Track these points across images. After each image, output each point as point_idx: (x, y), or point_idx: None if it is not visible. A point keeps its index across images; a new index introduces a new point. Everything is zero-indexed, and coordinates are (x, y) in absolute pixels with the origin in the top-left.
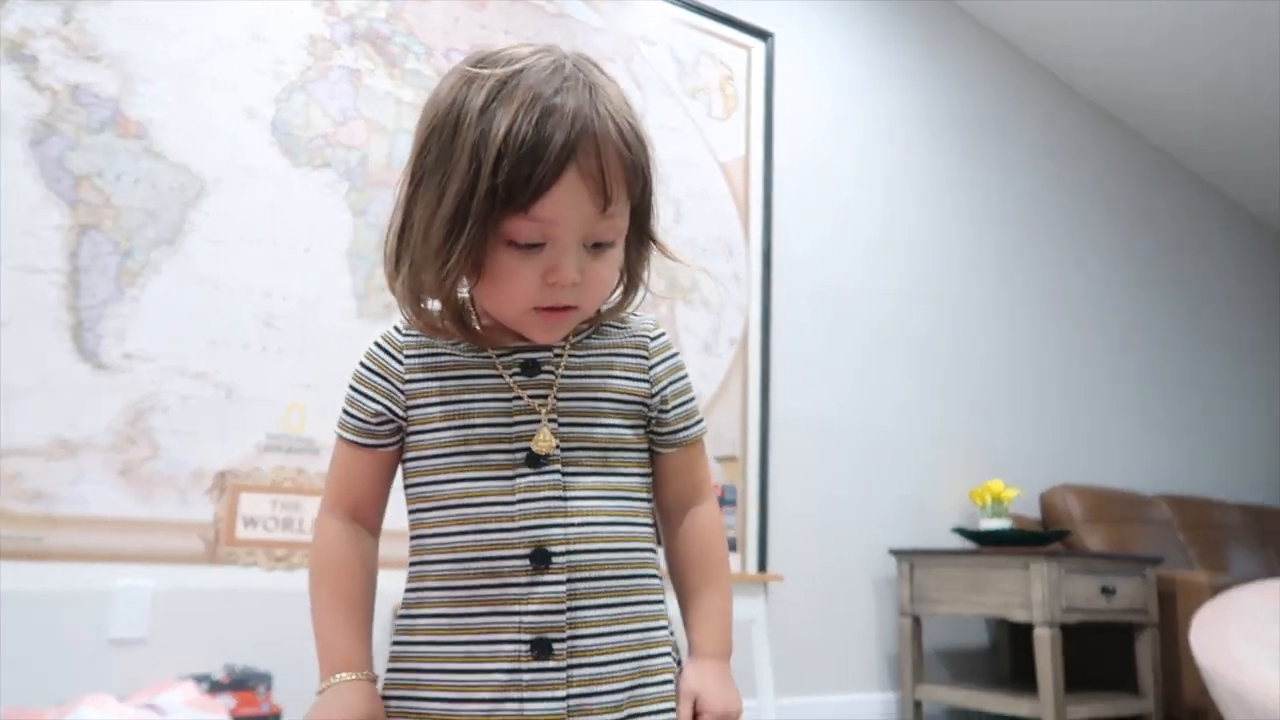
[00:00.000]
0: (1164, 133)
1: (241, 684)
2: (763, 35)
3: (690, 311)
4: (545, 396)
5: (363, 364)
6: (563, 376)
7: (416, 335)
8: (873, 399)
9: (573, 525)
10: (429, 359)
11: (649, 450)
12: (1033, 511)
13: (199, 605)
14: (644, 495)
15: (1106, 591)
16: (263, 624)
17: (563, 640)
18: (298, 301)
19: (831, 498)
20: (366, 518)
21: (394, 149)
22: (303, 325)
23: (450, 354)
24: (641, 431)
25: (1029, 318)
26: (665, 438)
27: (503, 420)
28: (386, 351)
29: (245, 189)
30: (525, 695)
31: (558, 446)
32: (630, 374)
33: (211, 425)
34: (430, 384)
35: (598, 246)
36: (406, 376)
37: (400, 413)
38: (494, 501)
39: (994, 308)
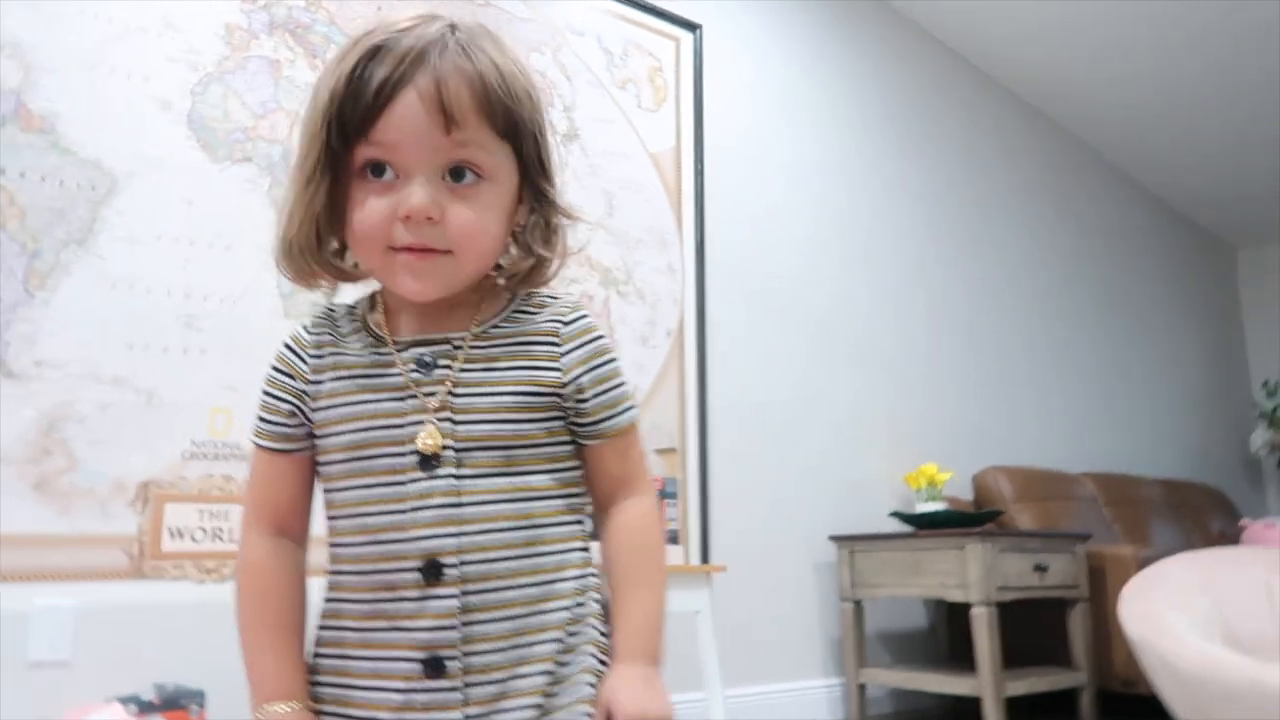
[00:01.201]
0: (1086, 126)
1: (173, 703)
2: (691, 27)
3: (625, 304)
4: (436, 393)
5: (273, 365)
6: (462, 370)
7: (322, 332)
8: (809, 388)
9: (467, 534)
10: (333, 357)
11: (573, 443)
12: (966, 493)
13: (125, 623)
14: (558, 493)
15: (1039, 569)
16: (194, 640)
17: (455, 657)
18: (220, 301)
19: (771, 486)
20: (291, 528)
21: None
22: (226, 325)
23: (354, 352)
24: (557, 425)
25: (957, 305)
26: (588, 429)
27: (394, 421)
28: (293, 350)
29: (160, 185)
30: (420, 715)
31: (449, 447)
32: (539, 363)
33: (132, 433)
34: (332, 383)
35: (457, 178)
36: (311, 376)
37: (309, 414)
38: (387, 510)
39: (923, 296)
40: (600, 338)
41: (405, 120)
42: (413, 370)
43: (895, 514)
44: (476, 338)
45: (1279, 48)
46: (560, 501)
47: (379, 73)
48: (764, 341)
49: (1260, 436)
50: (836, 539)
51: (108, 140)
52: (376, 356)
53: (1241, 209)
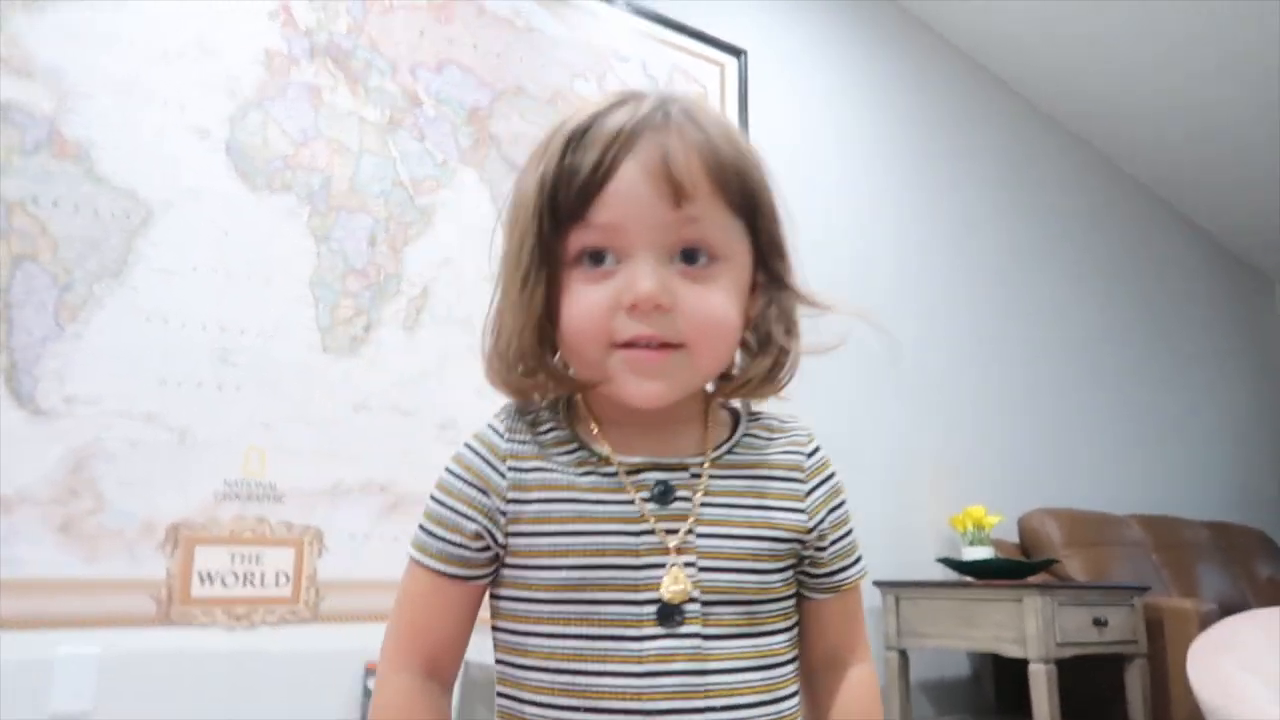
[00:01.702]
0: (1129, 156)
1: None
2: (736, 52)
3: None
4: (677, 530)
5: (453, 472)
6: (704, 504)
7: (522, 441)
8: (856, 424)
9: (714, 709)
10: (540, 473)
11: (795, 596)
12: (1010, 535)
13: (151, 672)
14: (791, 658)
15: (1098, 623)
16: (223, 689)
17: None
18: (256, 335)
19: None
20: (445, 669)
21: (358, 170)
22: (262, 361)
23: (566, 469)
24: (790, 576)
25: (999, 342)
26: (820, 581)
27: (629, 561)
28: (485, 459)
29: (197, 215)
30: None
31: (695, 599)
32: (785, 503)
33: (162, 473)
34: (539, 505)
35: (689, 260)
36: (510, 494)
37: (500, 539)
38: (612, 671)
39: (967, 332)
40: (835, 472)
41: (627, 196)
42: (647, 500)
43: (944, 560)
44: (714, 465)
45: None
46: (791, 668)
47: (594, 148)
48: (810, 376)
49: None
50: (882, 585)
51: (143, 169)
52: (598, 478)
53: None
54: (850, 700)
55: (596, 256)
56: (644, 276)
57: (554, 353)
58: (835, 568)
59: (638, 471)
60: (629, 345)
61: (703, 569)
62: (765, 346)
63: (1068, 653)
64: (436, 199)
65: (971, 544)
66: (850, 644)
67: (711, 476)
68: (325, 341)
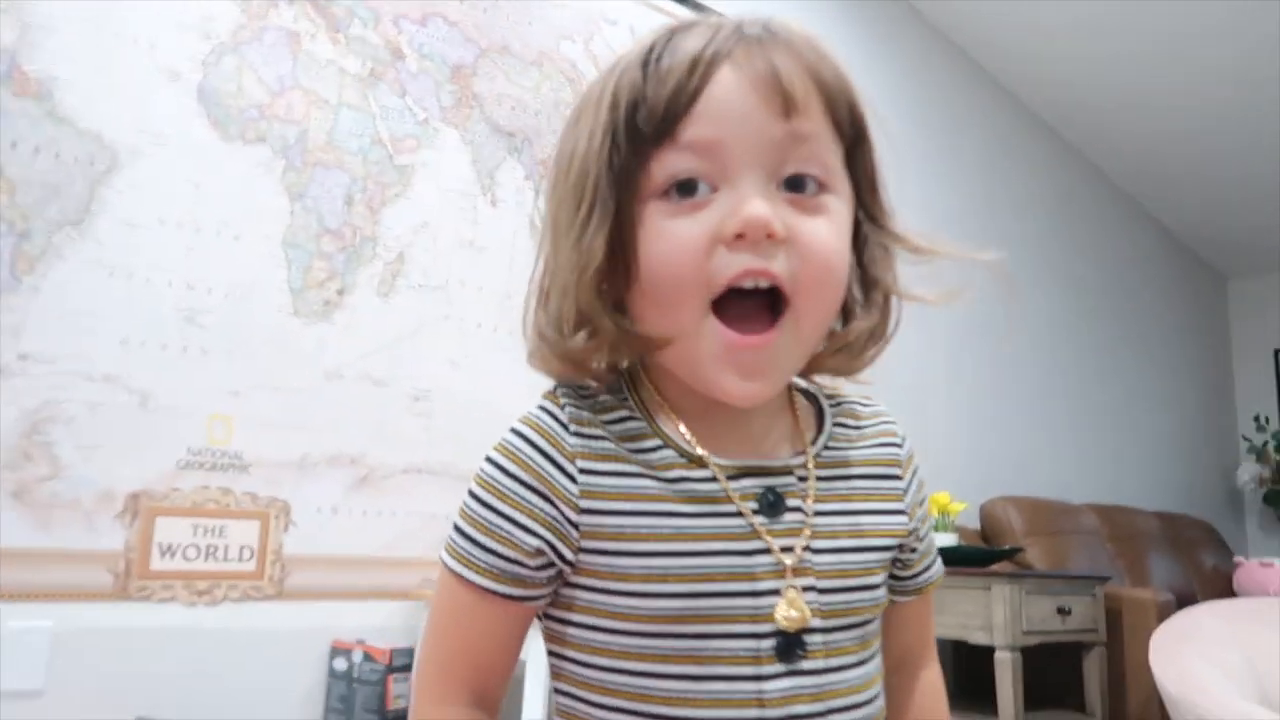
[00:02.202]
0: (1097, 148)
1: None
2: None
3: None
4: (793, 547)
5: (505, 470)
6: (817, 515)
7: (593, 434)
8: None
9: None
10: (620, 478)
11: None
12: (972, 523)
13: (107, 648)
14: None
15: (1062, 612)
16: (182, 669)
17: None
18: (224, 295)
19: None
20: (492, 697)
21: (337, 125)
22: (230, 323)
23: (653, 474)
24: (888, 584)
25: (965, 329)
26: (906, 582)
27: (744, 587)
28: (548, 455)
29: (166, 164)
30: None
31: (817, 629)
32: (890, 504)
33: (122, 438)
34: (623, 518)
35: (796, 188)
36: (584, 503)
37: (569, 556)
38: (728, 718)
39: (934, 319)
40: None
41: (728, 106)
42: (756, 512)
43: None
44: (818, 465)
45: None
46: (882, 683)
47: (684, 55)
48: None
49: (1248, 470)
50: None
51: (110, 111)
52: (693, 485)
53: (1237, 239)
54: (922, 701)
55: (686, 186)
56: (753, 198)
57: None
58: (922, 567)
59: (739, 476)
60: (726, 307)
61: (823, 591)
62: (869, 297)
63: (1033, 640)
64: (416, 159)
65: (936, 529)
66: (922, 645)
67: (819, 479)
68: (297, 305)
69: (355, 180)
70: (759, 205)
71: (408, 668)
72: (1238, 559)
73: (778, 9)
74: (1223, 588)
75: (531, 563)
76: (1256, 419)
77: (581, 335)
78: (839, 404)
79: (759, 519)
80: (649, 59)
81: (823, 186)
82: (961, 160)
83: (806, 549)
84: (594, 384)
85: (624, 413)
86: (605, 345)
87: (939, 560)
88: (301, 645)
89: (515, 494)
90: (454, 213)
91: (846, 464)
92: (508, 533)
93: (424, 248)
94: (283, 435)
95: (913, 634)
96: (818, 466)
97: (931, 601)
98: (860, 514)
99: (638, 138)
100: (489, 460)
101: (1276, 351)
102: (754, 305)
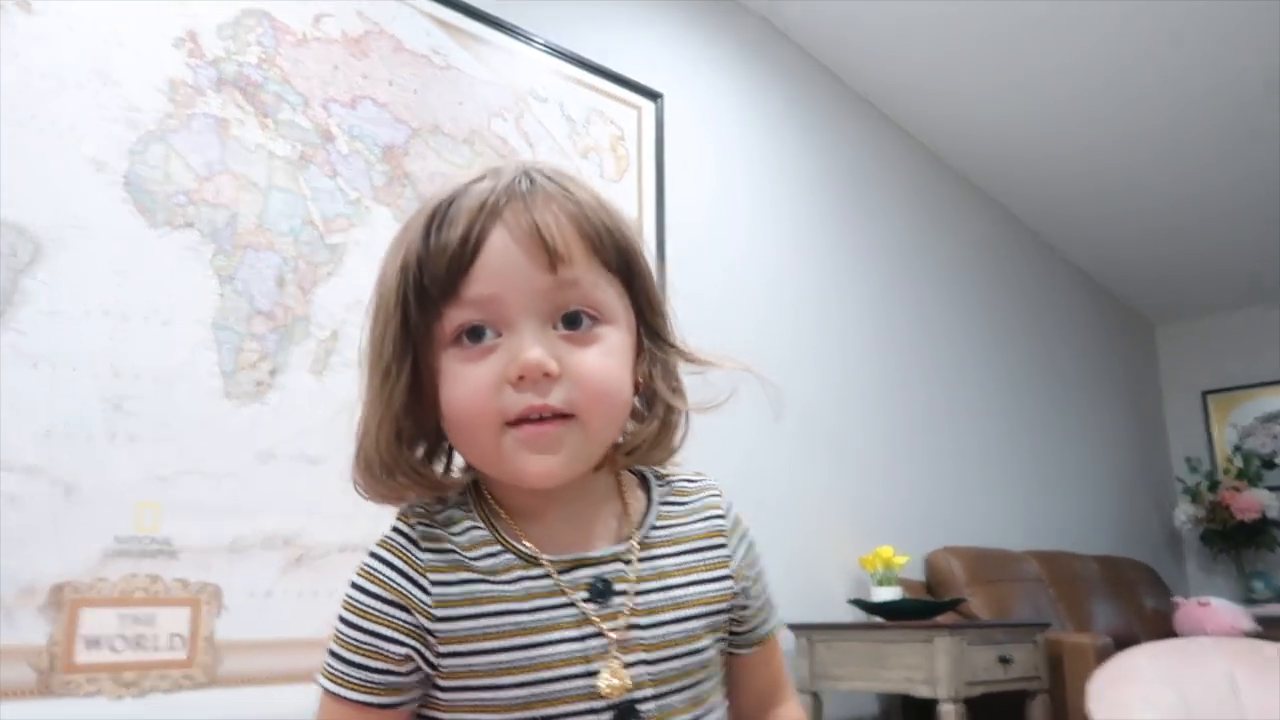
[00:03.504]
0: (1022, 203)
1: None
2: (653, 95)
3: None
4: (617, 624)
5: (367, 590)
6: (639, 594)
7: (441, 548)
8: (762, 468)
9: None
10: (465, 585)
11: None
12: (917, 574)
13: None
14: None
15: (1004, 661)
16: None
17: None
18: (153, 381)
19: None
20: None
21: (267, 208)
22: (159, 409)
23: (494, 578)
24: (723, 643)
25: (903, 380)
26: (744, 637)
27: (581, 670)
28: (402, 572)
29: (91, 252)
30: None
31: (648, 698)
32: (713, 573)
33: (46, 530)
34: (471, 622)
35: (572, 325)
36: (437, 611)
37: (430, 660)
38: None
39: (872, 374)
40: (749, 527)
41: (500, 265)
42: (585, 599)
43: (855, 601)
44: (642, 546)
45: (1202, 137)
46: None
47: (460, 221)
48: (718, 418)
49: (1184, 511)
50: (795, 628)
51: (33, 202)
52: (530, 584)
53: (1162, 286)
54: None
55: (475, 333)
56: (529, 344)
57: (431, 453)
58: (757, 623)
59: (570, 569)
60: (520, 422)
61: (652, 662)
62: (652, 408)
63: (976, 691)
64: (349, 238)
65: (880, 584)
66: (775, 688)
67: (641, 560)
68: (228, 387)
69: (287, 261)
70: (533, 352)
71: None
72: (1176, 599)
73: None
74: (1163, 628)
75: (402, 669)
76: (1189, 460)
77: (383, 475)
78: (667, 483)
79: (590, 606)
80: (430, 228)
81: (596, 320)
82: (891, 219)
83: (633, 626)
84: (439, 502)
85: (469, 523)
86: (406, 488)
87: (777, 614)
88: None
89: (378, 611)
90: None
91: (674, 541)
92: (376, 647)
93: (358, 324)
94: (214, 519)
95: (764, 680)
96: (642, 548)
97: (777, 647)
98: (681, 587)
99: (426, 299)
100: (353, 585)
101: (1204, 394)
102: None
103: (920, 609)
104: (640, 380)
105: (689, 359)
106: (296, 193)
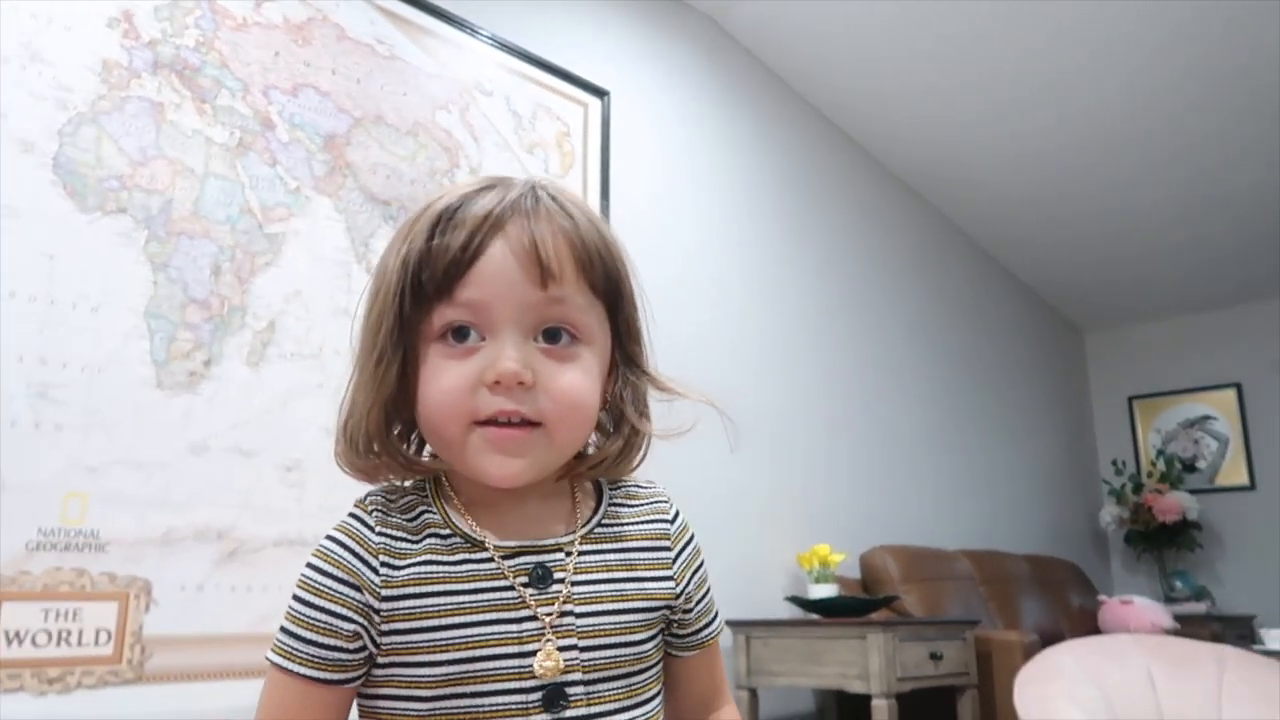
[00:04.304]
0: (956, 207)
1: None
2: (599, 93)
3: None
4: (553, 610)
5: (320, 569)
6: (574, 584)
7: (394, 533)
8: (703, 466)
9: None
10: (413, 566)
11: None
12: (853, 572)
13: None
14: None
15: (934, 657)
16: None
17: None
18: (81, 369)
19: None
20: None
21: (203, 194)
22: (87, 398)
23: (438, 557)
24: (660, 642)
25: (843, 385)
26: (685, 640)
27: (513, 650)
28: (354, 552)
29: (18, 235)
30: None
31: (577, 681)
32: (654, 572)
33: None
34: (414, 601)
35: (552, 339)
36: (384, 591)
37: (375, 637)
38: None
39: (813, 376)
40: (695, 535)
41: (495, 275)
42: (525, 585)
43: (792, 598)
44: (585, 540)
45: (1133, 147)
46: None
47: (464, 227)
48: (658, 416)
49: (1110, 512)
50: (734, 624)
51: None
52: (473, 566)
53: (1092, 294)
54: None
55: (460, 333)
56: (508, 353)
57: (405, 436)
58: (699, 626)
59: (513, 555)
60: (489, 423)
61: (584, 649)
62: (618, 428)
63: (907, 686)
64: (288, 227)
65: (817, 581)
66: (714, 692)
67: (582, 553)
68: (160, 377)
69: (223, 249)
70: (511, 361)
71: None
72: (1101, 597)
73: (633, 74)
74: (1089, 625)
75: (350, 646)
76: (1114, 463)
77: (369, 454)
78: (619, 487)
79: (529, 591)
80: (435, 229)
81: (575, 338)
82: (832, 221)
83: (568, 614)
84: (401, 485)
85: (423, 508)
86: (389, 467)
87: (719, 620)
88: None
89: (331, 589)
90: (328, 280)
91: (619, 539)
92: (327, 624)
93: (296, 316)
94: (144, 511)
95: (704, 682)
96: (584, 542)
97: (717, 652)
98: (624, 581)
99: (422, 294)
100: (309, 565)
101: (1130, 399)
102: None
103: (855, 606)
104: (608, 399)
105: (660, 388)
106: (234, 180)
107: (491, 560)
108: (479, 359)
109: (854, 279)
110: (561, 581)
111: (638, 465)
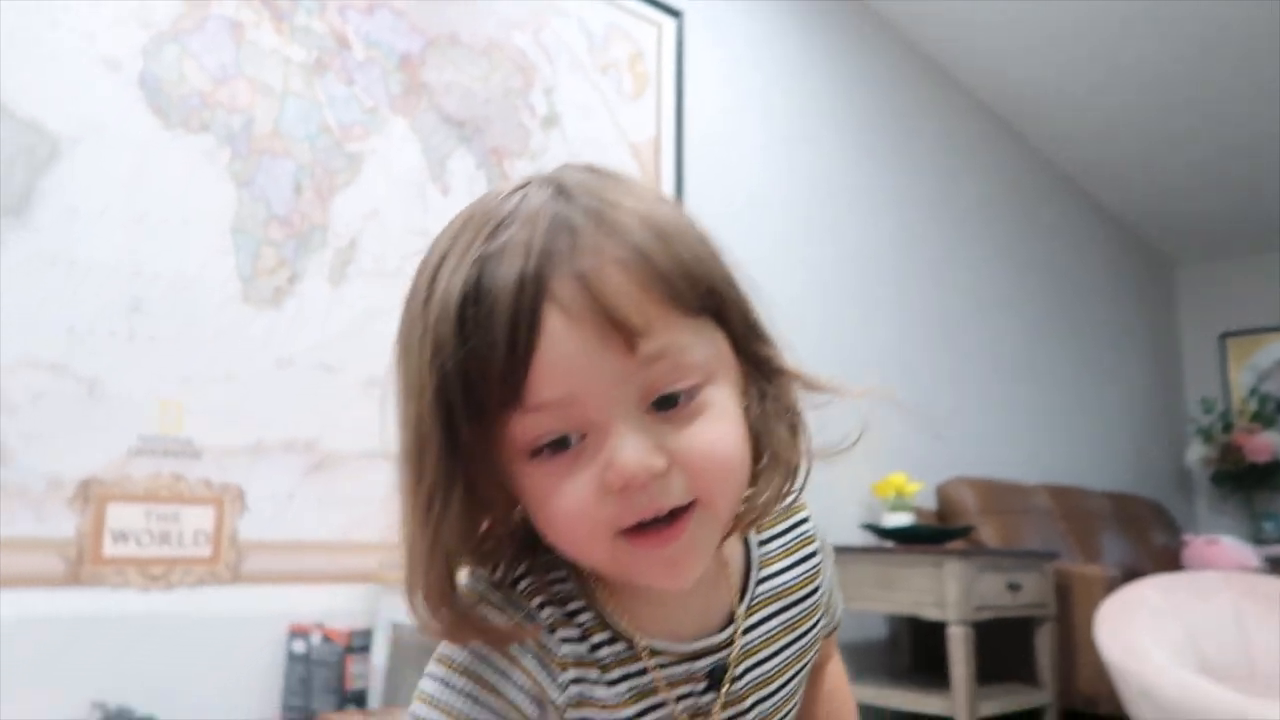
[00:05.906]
0: (1047, 138)
1: None
2: (674, 13)
3: None
4: (717, 708)
5: (483, 679)
6: (740, 673)
7: (573, 640)
8: None
9: None
10: (578, 685)
11: None
12: (929, 503)
13: (60, 636)
14: None
15: (1012, 587)
16: (139, 655)
17: None
18: (171, 283)
19: None
20: None
21: (283, 114)
22: (178, 310)
23: (610, 676)
24: None
25: (925, 310)
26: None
27: None
28: (540, 660)
29: (107, 153)
30: None
31: None
32: (813, 620)
33: (71, 426)
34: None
35: (668, 405)
36: (569, 714)
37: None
38: None
39: (892, 307)
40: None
41: (566, 360)
42: (702, 693)
43: (867, 526)
44: (748, 613)
45: (1233, 79)
46: None
47: (500, 312)
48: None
49: (1196, 451)
50: None
51: (50, 99)
52: (634, 681)
53: (1185, 226)
54: (834, 690)
55: (557, 443)
56: (623, 452)
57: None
58: (833, 624)
59: (676, 663)
60: (637, 534)
61: None
62: (773, 459)
63: (984, 615)
64: (365, 147)
65: (893, 510)
66: (826, 650)
67: (746, 631)
68: (246, 292)
69: (303, 168)
70: (630, 460)
71: (366, 648)
72: (1185, 537)
73: (736, 10)
74: (1172, 565)
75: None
76: (1203, 402)
77: (436, 611)
78: (763, 534)
79: (706, 698)
80: (463, 319)
81: (695, 388)
82: (914, 153)
83: (735, 702)
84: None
85: (579, 602)
86: (466, 630)
87: (840, 607)
88: (258, 629)
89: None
90: (404, 200)
91: (778, 596)
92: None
93: (375, 235)
94: (235, 422)
95: (820, 654)
96: (748, 614)
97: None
98: (791, 644)
99: (479, 409)
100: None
101: (1222, 336)
102: None
103: (931, 534)
104: (752, 426)
105: (810, 386)
106: (312, 100)
107: (648, 671)
108: (591, 461)
109: (936, 206)
110: (725, 679)
111: (800, 494)
